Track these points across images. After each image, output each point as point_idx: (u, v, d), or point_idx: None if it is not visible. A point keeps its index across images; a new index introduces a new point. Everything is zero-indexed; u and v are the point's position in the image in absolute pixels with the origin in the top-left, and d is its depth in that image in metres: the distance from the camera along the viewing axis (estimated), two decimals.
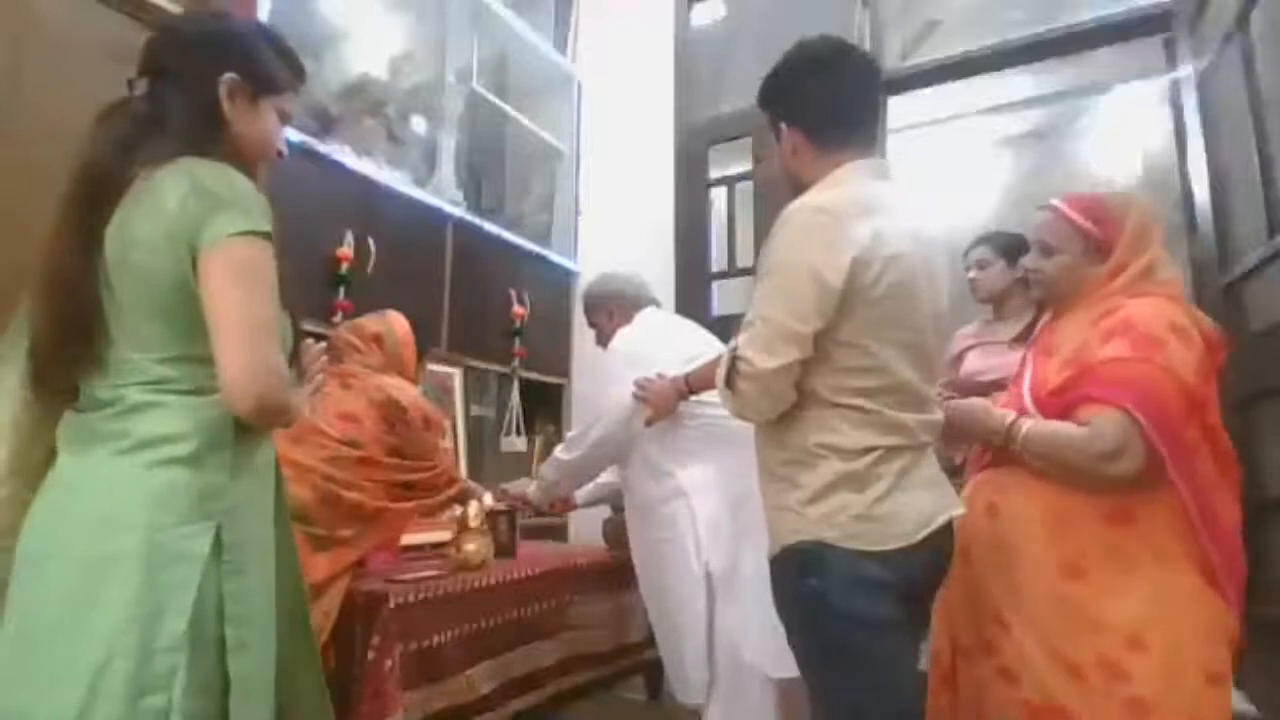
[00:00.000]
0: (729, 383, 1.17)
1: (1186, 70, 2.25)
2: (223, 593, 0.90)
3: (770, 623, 1.49)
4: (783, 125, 1.25)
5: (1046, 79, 4.05)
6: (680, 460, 1.77)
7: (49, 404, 0.97)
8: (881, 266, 1.10)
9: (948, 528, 1.17)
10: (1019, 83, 3.96)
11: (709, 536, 1.68)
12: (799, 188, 1.23)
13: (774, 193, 3.01)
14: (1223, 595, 1.18)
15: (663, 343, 1.90)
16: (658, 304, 2.11)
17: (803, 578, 1.12)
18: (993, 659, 1.28)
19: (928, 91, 3.09)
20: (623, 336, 1.94)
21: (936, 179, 4.44)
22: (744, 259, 3.02)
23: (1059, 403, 1.26)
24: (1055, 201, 1.39)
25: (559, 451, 1.95)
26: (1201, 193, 2.18)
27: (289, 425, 1.09)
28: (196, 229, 0.90)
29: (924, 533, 1.11)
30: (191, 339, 0.92)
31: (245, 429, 0.96)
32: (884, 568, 1.09)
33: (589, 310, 2.12)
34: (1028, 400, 1.32)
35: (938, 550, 1.16)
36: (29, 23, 1.54)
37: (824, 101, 1.23)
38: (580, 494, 2.28)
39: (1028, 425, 1.27)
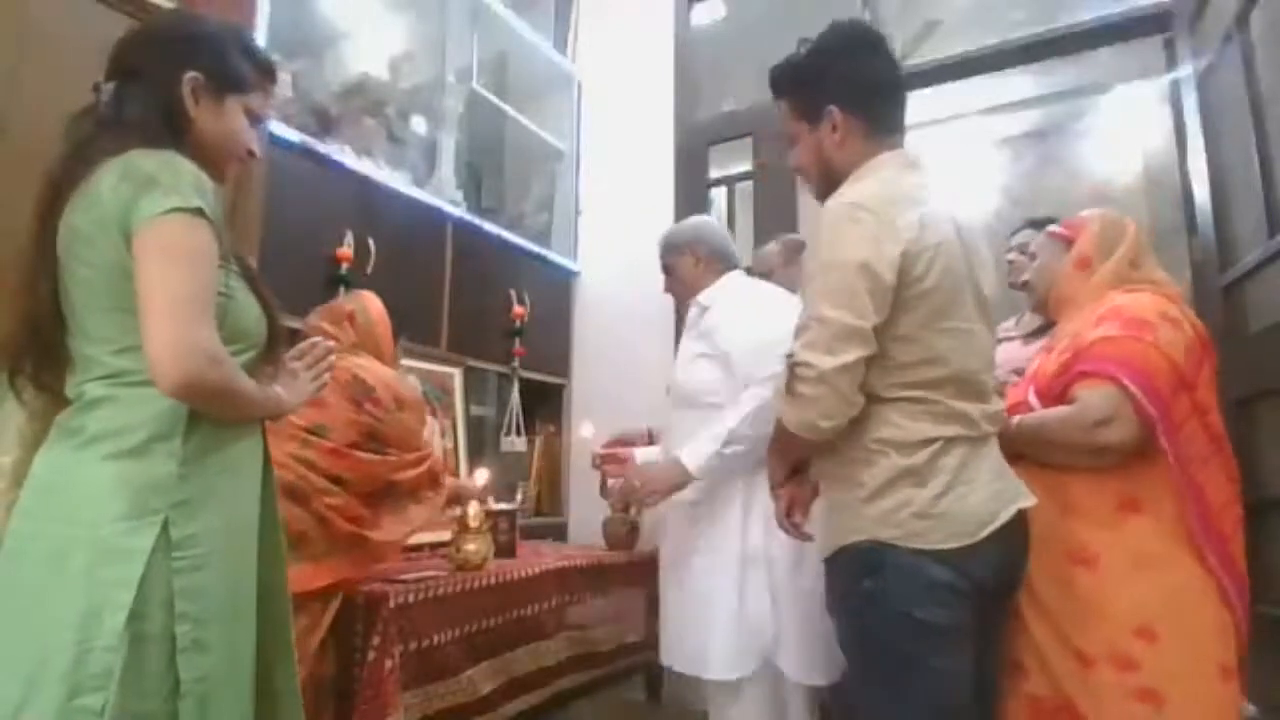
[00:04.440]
0: (789, 390, 1.11)
1: (1186, 70, 2.25)
2: (173, 589, 0.87)
3: (808, 628, 1.44)
4: (832, 108, 1.19)
5: (1046, 79, 4.05)
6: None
7: (47, 409, 0.97)
8: (931, 256, 1.08)
9: (1018, 522, 1.11)
10: (1019, 83, 3.96)
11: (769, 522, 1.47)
12: (831, 178, 1.20)
13: (775, 187, 3.01)
14: (1218, 582, 1.19)
15: (776, 319, 1.66)
16: (741, 270, 1.96)
17: (858, 579, 1.07)
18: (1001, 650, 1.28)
19: (928, 91, 3.08)
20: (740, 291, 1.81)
21: (935, 178, 4.44)
22: (744, 259, 3.01)
23: (1057, 385, 1.31)
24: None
25: (733, 426, 1.59)
26: (1201, 193, 2.17)
27: (279, 417, 1.08)
28: (127, 213, 0.90)
29: (989, 529, 1.06)
30: None
31: (208, 419, 0.94)
32: (947, 569, 1.04)
33: (672, 248, 1.93)
34: (1031, 394, 1.36)
35: (1009, 547, 1.11)
36: (29, 23, 1.53)
37: (879, 83, 1.20)
38: (642, 458, 2.03)
39: (1016, 419, 1.31)
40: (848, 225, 1.09)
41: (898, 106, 1.23)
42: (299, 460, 1.49)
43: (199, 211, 0.92)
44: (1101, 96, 4.30)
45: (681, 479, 1.62)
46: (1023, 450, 1.28)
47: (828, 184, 1.21)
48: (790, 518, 1.29)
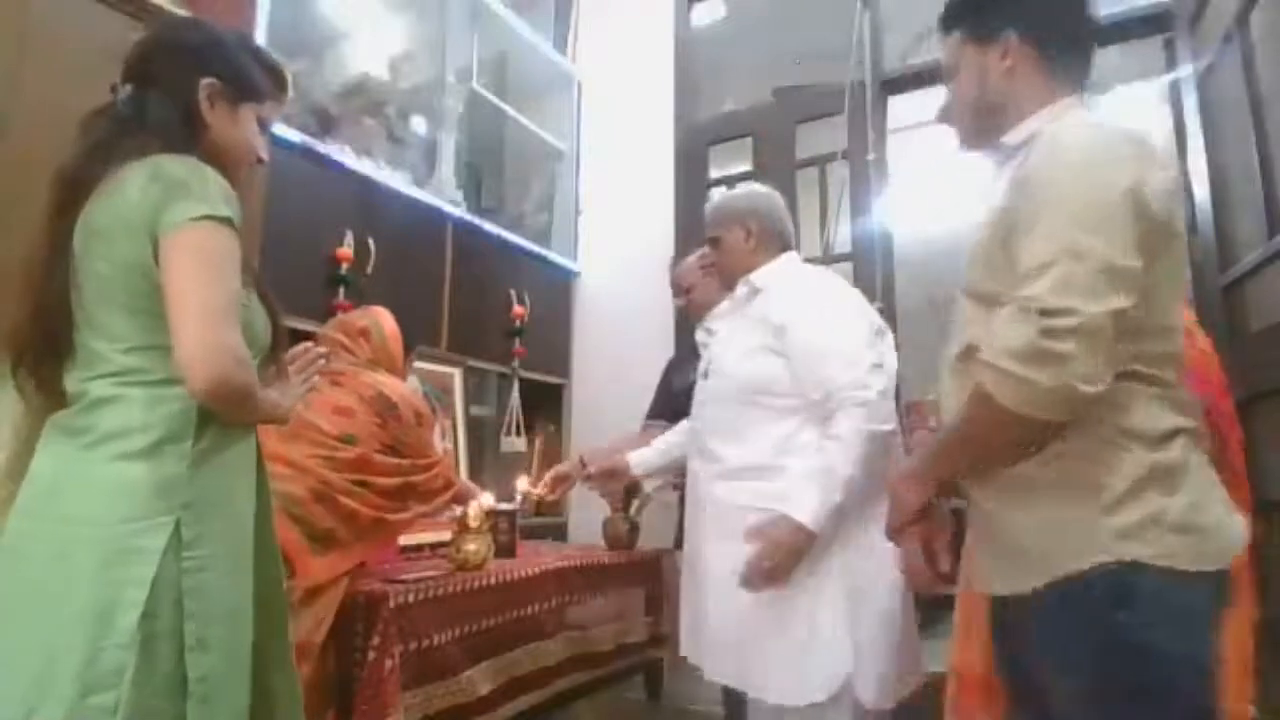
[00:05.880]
0: (1032, 350, 0.80)
1: (1186, 70, 2.25)
2: (182, 589, 0.88)
3: (883, 651, 1.41)
4: (1010, 34, 0.99)
5: None
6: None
7: (45, 406, 0.97)
8: (1177, 199, 0.89)
9: None
10: None
11: None
12: (987, 114, 1.02)
13: (774, 187, 3.01)
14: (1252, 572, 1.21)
15: (853, 321, 1.56)
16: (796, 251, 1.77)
17: (1107, 612, 0.83)
18: None
19: (928, 92, 3.09)
20: (829, 280, 1.66)
21: (937, 179, 4.44)
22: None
23: None
24: None
25: (849, 430, 1.41)
26: (1201, 193, 2.18)
27: (275, 422, 1.08)
28: (156, 216, 0.91)
29: (1238, 549, 0.87)
30: (157, 328, 0.92)
31: (216, 421, 0.96)
32: (1204, 598, 0.83)
33: (724, 217, 1.73)
34: None
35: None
36: (30, 23, 1.53)
37: (1070, 17, 1.01)
38: (639, 463, 1.94)
39: None
40: (1102, 145, 0.86)
41: (1084, 59, 1.01)
42: (325, 463, 1.55)
43: (228, 221, 0.94)
44: (1101, 96, 4.30)
45: (805, 542, 1.38)
46: None
47: (980, 121, 1.04)
48: (933, 565, 1.03)
